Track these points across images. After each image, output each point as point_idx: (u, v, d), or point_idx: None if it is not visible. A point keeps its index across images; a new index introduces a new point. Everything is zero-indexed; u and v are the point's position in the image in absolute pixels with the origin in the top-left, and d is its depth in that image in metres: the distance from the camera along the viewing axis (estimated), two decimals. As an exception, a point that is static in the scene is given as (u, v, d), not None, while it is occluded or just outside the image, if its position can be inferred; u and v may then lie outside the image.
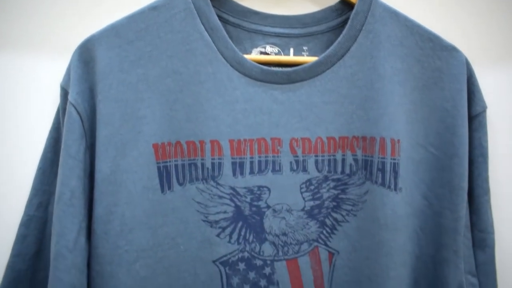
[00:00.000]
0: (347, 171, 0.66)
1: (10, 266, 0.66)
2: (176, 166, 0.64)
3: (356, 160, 0.66)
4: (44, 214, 0.68)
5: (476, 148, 0.69)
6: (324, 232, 0.67)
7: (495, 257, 0.69)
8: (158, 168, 0.64)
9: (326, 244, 0.67)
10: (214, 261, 0.65)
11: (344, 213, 0.67)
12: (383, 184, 0.65)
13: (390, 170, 0.65)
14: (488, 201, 0.69)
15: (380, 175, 0.65)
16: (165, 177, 0.64)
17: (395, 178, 0.65)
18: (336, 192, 0.66)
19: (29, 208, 0.67)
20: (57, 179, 0.64)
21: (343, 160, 0.66)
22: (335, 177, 0.66)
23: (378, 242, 0.65)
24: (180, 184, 0.64)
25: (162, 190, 0.64)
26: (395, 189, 0.65)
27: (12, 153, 0.72)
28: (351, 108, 0.65)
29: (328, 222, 0.67)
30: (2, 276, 0.66)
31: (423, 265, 0.68)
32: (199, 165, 0.64)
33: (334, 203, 0.67)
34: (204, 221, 0.65)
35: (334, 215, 0.67)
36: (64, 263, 0.61)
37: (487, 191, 0.69)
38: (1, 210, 0.72)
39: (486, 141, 0.69)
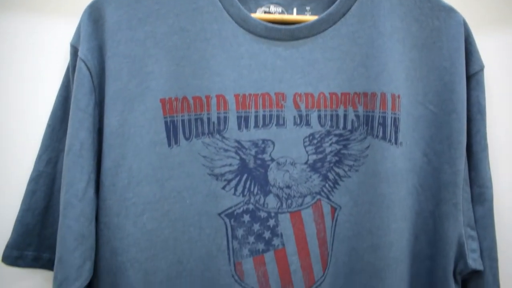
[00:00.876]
0: (349, 126, 0.68)
1: (19, 220, 0.68)
2: (183, 121, 0.66)
3: (357, 116, 0.68)
4: (53, 170, 0.69)
5: (474, 106, 0.71)
6: (327, 185, 0.68)
7: (493, 211, 0.70)
8: (165, 122, 0.65)
9: (328, 198, 0.68)
10: (219, 214, 0.66)
11: (346, 168, 0.68)
12: (384, 138, 0.67)
13: (391, 124, 0.67)
14: (486, 157, 0.71)
15: (381, 129, 0.67)
16: (172, 132, 0.65)
17: (396, 132, 0.67)
18: (338, 147, 0.68)
19: (39, 164, 0.69)
20: (66, 135, 0.65)
21: (345, 116, 0.68)
22: (337, 132, 0.68)
23: (379, 195, 0.66)
24: (187, 139, 0.66)
25: (169, 145, 0.65)
26: (396, 143, 0.67)
27: (21, 112, 0.74)
28: (353, 65, 0.67)
29: (330, 176, 0.68)
30: (12, 230, 0.68)
31: (423, 221, 0.69)
32: (205, 119, 0.66)
33: (337, 158, 0.68)
34: (209, 174, 0.66)
35: (337, 169, 0.68)
36: (73, 211, 0.62)
37: (485, 147, 0.71)
38: (12, 166, 0.73)
39: (484, 99, 0.71)
